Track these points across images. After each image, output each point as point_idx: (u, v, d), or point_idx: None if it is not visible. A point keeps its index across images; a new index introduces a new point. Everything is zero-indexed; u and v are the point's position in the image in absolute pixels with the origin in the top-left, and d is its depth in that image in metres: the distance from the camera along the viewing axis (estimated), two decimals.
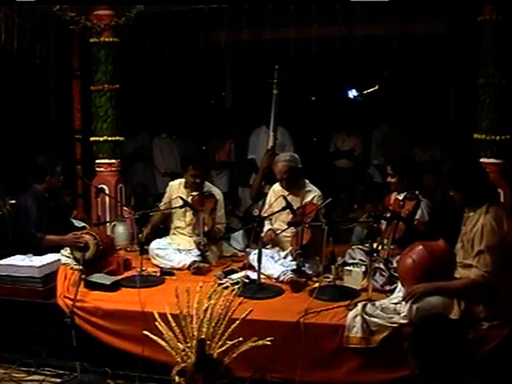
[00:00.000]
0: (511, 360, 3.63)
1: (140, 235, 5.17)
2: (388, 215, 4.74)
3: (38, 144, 7.57)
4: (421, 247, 3.93)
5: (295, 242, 4.80)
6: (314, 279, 4.64)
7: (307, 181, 5.22)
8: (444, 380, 2.70)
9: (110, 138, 6.05)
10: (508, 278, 3.72)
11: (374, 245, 4.64)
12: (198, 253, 5.15)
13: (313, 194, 5.09)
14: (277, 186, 5.27)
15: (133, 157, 7.85)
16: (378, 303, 3.96)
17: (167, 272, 5.01)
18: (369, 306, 3.89)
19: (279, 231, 5.01)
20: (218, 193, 5.61)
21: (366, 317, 3.80)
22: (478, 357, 3.51)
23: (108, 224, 5.81)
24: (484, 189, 3.86)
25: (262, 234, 5.06)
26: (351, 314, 3.86)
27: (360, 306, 3.88)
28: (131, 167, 7.81)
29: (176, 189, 5.58)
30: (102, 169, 6.12)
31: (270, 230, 5.13)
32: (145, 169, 8.11)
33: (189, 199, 5.35)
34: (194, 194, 5.41)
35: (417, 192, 4.83)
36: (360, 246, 4.95)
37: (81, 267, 4.51)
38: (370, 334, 3.77)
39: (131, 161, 7.77)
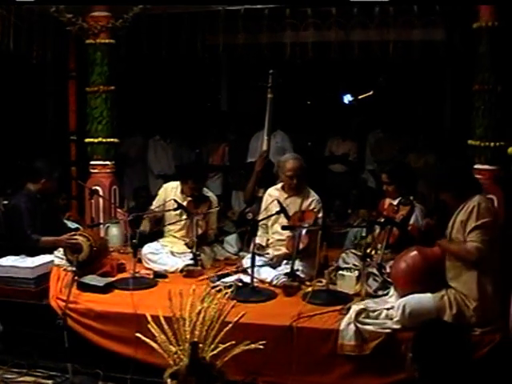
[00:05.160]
0: (504, 366, 3.63)
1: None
2: (382, 220, 4.74)
3: (35, 145, 7.56)
4: (415, 252, 3.98)
5: (291, 245, 4.80)
6: (307, 283, 4.63)
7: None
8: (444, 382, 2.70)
9: (104, 140, 6.05)
10: (496, 281, 3.76)
11: (368, 250, 4.64)
12: (191, 256, 5.12)
13: (311, 198, 5.10)
14: (272, 191, 5.25)
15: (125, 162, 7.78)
16: (370, 308, 3.95)
17: (160, 274, 4.99)
18: (362, 314, 3.88)
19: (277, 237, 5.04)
20: (214, 198, 5.61)
21: (359, 325, 3.80)
22: (472, 363, 3.51)
23: (102, 226, 5.80)
24: (472, 184, 3.93)
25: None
26: (345, 321, 3.85)
27: (353, 313, 3.87)
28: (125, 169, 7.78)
29: (171, 191, 5.55)
30: (96, 170, 6.11)
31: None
32: (139, 171, 8.08)
33: (184, 203, 5.34)
34: (190, 199, 5.41)
35: (411, 197, 4.84)
36: (353, 251, 4.95)
37: (74, 269, 4.50)
38: (363, 342, 3.77)
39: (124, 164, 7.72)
